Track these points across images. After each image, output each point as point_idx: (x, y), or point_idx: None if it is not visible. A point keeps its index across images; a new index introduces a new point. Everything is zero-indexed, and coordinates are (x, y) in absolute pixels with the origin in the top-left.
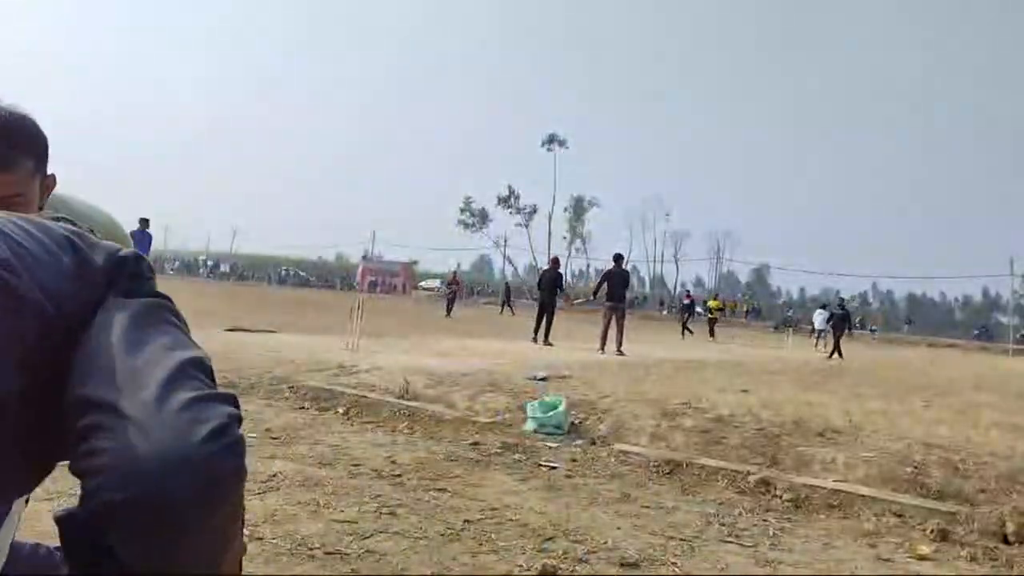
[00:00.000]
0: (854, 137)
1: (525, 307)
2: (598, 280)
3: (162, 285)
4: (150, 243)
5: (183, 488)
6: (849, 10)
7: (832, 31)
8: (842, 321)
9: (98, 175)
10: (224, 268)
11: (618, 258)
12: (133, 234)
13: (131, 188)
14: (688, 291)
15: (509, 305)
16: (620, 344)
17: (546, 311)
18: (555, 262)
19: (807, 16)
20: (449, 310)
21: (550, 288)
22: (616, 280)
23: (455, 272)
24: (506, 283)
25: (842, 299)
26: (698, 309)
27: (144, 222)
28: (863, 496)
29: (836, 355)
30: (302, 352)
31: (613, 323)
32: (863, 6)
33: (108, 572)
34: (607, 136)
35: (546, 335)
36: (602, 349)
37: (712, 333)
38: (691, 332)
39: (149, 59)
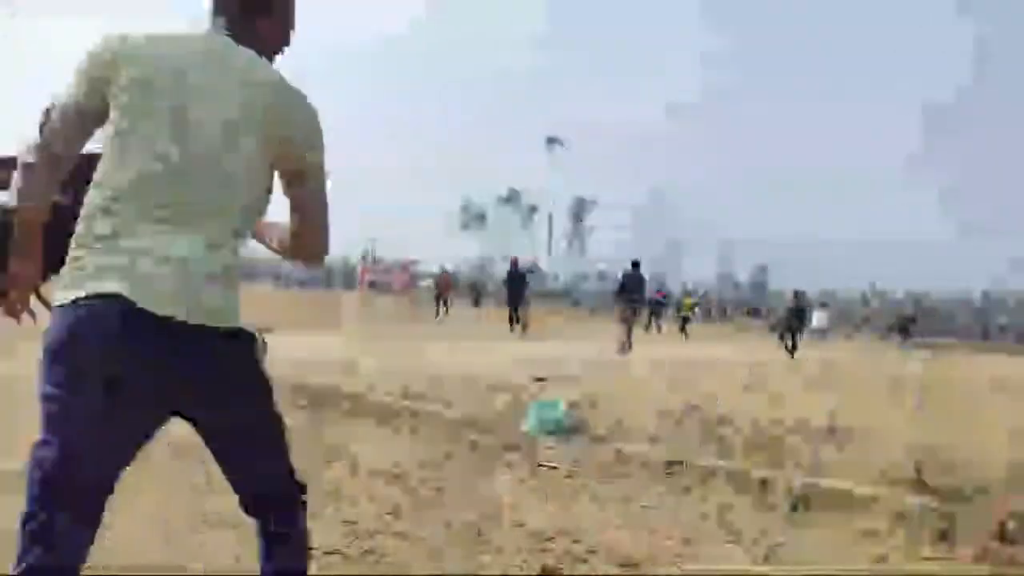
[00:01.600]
0: (854, 137)
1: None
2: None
3: None
4: None
5: None
6: (849, 9)
7: (831, 30)
8: (797, 316)
9: None
10: None
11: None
12: None
13: None
14: (660, 288)
15: (477, 303)
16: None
17: (516, 304)
18: (514, 262)
19: (806, 15)
20: (438, 311)
21: (519, 284)
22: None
23: (444, 271)
24: (473, 282)
25: (796, 292)
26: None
27: None
28: (863, 496)
29: (789, 352)
30: (302, 352)
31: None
32: (862, 5)
33: None
34: (607, 136)
35: (520, 323)
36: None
37: (684, 332)
38: (659, 330)
39: None
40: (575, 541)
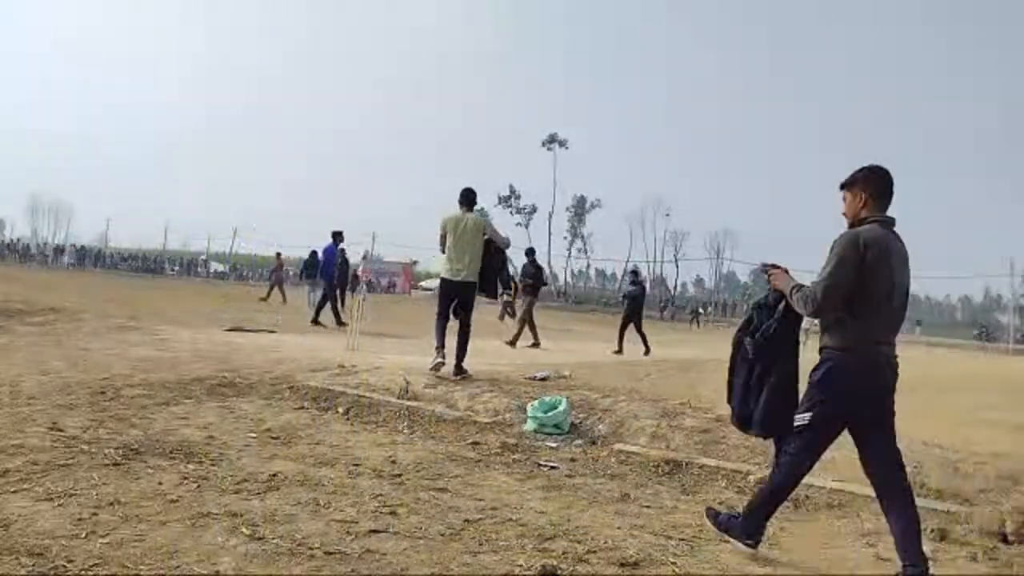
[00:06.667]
0: (854, 136)
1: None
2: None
3: (161, 286)
4: (334, 256)
5: None
6: (848, 9)
7: (830, 30)
8: (635, 301)
9: (98, 177)
10: (224, 268)
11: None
12: (327, 249)
13: (131, 189)
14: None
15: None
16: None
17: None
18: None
19: (804, 15)
20: (268, 295)
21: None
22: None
23: (279, 255)
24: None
25: (636, 270)
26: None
27: (337, 236)
28: (863, 496)
29: (638, 347)
30: (302, 352)
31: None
32: (863, 5)
33: None
34: (607, 136)
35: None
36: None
37: (502, 317)
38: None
39: (148, 59)
40: (575, 541)
